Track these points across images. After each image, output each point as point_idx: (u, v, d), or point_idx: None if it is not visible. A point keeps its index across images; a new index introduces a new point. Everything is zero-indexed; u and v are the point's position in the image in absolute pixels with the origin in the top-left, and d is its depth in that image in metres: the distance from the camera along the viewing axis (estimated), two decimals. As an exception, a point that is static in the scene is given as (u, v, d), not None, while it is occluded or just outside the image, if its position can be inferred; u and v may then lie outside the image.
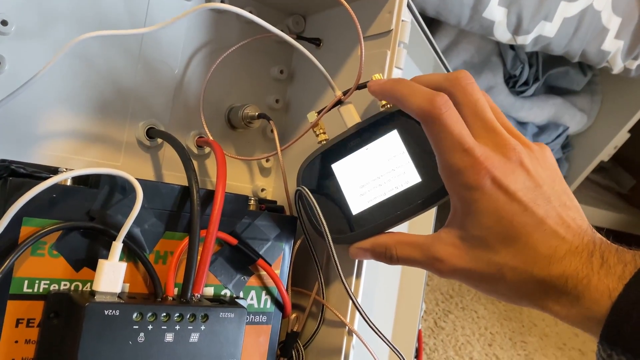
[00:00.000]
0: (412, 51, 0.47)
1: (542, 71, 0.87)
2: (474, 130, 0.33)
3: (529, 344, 1.02)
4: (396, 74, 0.41)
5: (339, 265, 0.38)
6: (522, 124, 0.90)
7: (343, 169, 0.40)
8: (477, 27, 0.68)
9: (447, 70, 0.54)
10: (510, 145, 0.33)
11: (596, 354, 0.30)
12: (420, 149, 0.37)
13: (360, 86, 0.40)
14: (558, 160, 1.01)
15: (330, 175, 0.40)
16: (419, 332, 0.62)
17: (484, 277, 0.33)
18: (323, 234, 0.38)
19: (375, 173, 0.39)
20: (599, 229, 0.33)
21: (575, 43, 0.75)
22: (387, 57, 0.41)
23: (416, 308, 0.58)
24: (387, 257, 0.37)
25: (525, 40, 0.72)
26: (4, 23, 0.37)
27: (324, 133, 0.41)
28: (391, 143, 0.38)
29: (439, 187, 0.36)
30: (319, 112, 0.41)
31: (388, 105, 0.39)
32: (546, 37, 0.73)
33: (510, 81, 0.85)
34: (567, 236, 0.32)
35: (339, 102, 0.41)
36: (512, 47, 0.82)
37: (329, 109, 0.41)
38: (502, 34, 0.70)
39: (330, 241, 0.38)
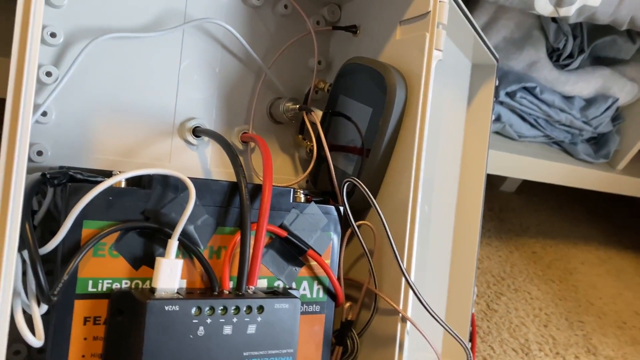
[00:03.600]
0: (450, 31, 0.46)
1: (588, 42, 0.84)
2: None
3: (587, 324, 0.99)
4: (436, 56, 0.41)
5: (394, 244, 0.39)
6: (568, 99, 0.86)
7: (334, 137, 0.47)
8: (516, 2, 0.66)
9: (488, 48, 0.53)
10: None
11: None
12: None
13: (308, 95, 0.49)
14: (608, 134, 0.97)
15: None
16: (472, 315, 0.61)
17: None
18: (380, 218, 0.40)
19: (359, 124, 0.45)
20: None
21: (623, 10, 0.71)
22: (427, 40, 0.41)
23: (468, 292, 0.58)
24: None
25: (569, 11, 0.69)
26: (53, 35, 0.39)
27: (310, 142, 0.48)
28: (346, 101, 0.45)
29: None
30: (301, 134, 0.50)
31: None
32: (591, 7, 0.70)
33: (554, 55, 0.82)
34: None
35: (307, 113, 0.47)
36: (554, 19, 0.79)
37: (307, 129, 0.48)
38: (544, 7, 0.67)
39: (385, 222, 0.39)
